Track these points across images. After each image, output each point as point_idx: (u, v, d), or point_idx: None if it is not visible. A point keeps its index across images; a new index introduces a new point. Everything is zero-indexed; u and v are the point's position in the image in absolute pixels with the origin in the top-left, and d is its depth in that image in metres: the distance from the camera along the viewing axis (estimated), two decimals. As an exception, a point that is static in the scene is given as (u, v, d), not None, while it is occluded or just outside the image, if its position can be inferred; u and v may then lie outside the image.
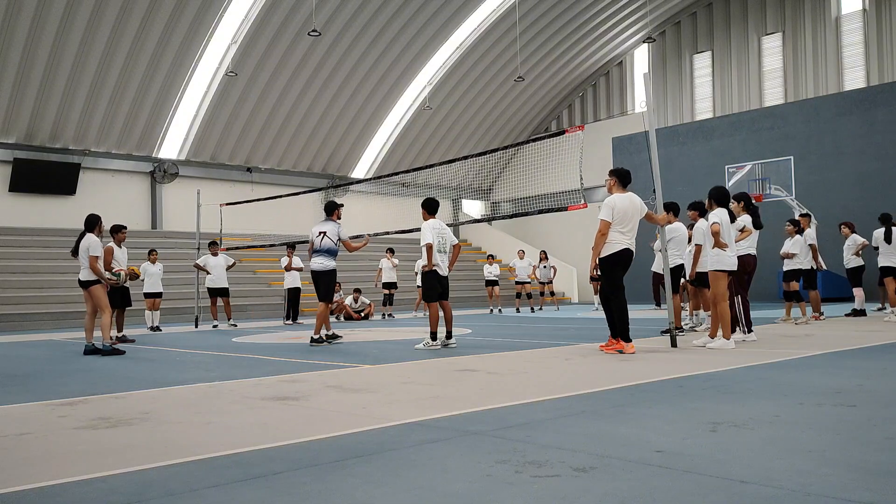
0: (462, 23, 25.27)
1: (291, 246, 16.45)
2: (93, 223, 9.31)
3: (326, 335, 10.01)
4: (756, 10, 26.24)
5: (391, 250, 18.98)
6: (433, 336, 8.66)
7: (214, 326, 15.11)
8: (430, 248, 8.69)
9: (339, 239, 9.95)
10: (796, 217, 13.15)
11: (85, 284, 9.06)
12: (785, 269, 11.83)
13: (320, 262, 9.86)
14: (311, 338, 9.71)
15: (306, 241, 17.84)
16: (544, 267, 20.64)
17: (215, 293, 15.06)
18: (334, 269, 9.99)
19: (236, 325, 15.54)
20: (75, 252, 9.18)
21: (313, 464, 3.06)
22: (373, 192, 27.61)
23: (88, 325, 9.28)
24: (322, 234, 9.92)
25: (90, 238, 9.13)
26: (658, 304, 18.73)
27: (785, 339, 8.78)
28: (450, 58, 26.73)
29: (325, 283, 9.88)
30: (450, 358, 7.45)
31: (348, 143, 27.90)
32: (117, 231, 10.90)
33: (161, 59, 21.36)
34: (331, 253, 9.91)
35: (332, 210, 10.19)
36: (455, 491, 2.61)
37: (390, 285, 18.62)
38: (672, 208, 9.67)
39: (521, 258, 20.56)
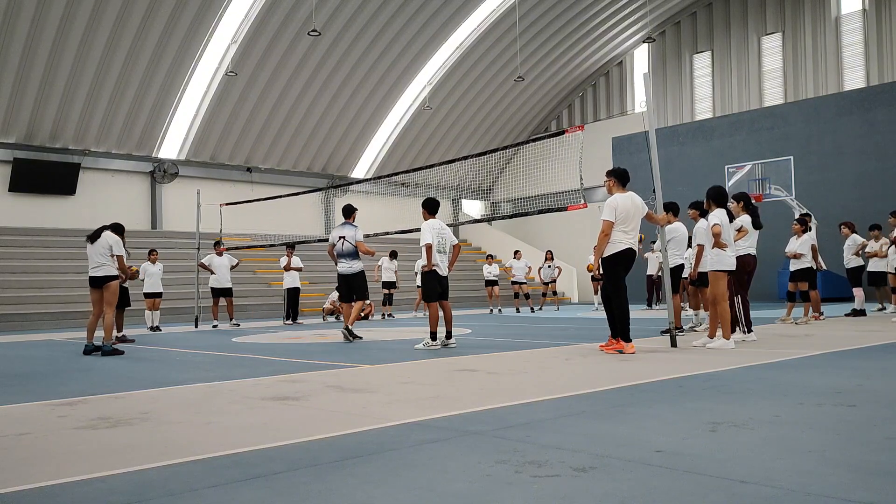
0: (462, 23, 25.26)
1: (291, 246, 16.45)
2: (119, 230, 9.51)
3: (348, 330, 10.14)
4: (756, 10, 26.24)
5: (394, 253, 18.96)
6: (433, 336, 8.68)
7: (214, 326, 15.13)
8: (429, 248, 8.72)
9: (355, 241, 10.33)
10: (797, 217, 13.12)
11: (103, 280, 9.04)
12: (792, 268, 11.74)
13: (346, 266, 10.34)
14: (346, 327, 10.19)
15: (305, 242, 17.96)
16: (549, 267, 20.61)
17: (219, 293, 15.13)
18: (361, 270, 10.44)
19: (239, 325, 15.57)
20: (93, 239, 9.18)
21: (313, 464, 3.06)
22: (372, 192, 27.60)
23: (92, 325, 9.30)
24: (342, 239, 10.34)
25: (114, 237, 9.21)
26: (650, 305, 18.75)
27: (785, 339, 8.78)
28: (450, 58, 26.72)
29: (356, 284, 10.36)
30: (449, 358, 7.45)
31: (348, 143, 27.89)
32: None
33: (161, 59, 21.36)
34: (353, 255, 10.35)
35: (348, 213, 10.64)
36: (455, 491, 2.61)
37: (389, 285, 18.63)
38: (672, 208, 9.66)
39: (518, 258, 20.55)
